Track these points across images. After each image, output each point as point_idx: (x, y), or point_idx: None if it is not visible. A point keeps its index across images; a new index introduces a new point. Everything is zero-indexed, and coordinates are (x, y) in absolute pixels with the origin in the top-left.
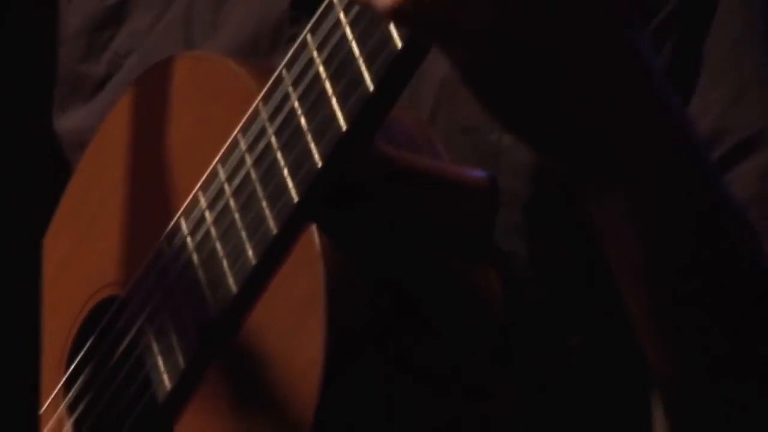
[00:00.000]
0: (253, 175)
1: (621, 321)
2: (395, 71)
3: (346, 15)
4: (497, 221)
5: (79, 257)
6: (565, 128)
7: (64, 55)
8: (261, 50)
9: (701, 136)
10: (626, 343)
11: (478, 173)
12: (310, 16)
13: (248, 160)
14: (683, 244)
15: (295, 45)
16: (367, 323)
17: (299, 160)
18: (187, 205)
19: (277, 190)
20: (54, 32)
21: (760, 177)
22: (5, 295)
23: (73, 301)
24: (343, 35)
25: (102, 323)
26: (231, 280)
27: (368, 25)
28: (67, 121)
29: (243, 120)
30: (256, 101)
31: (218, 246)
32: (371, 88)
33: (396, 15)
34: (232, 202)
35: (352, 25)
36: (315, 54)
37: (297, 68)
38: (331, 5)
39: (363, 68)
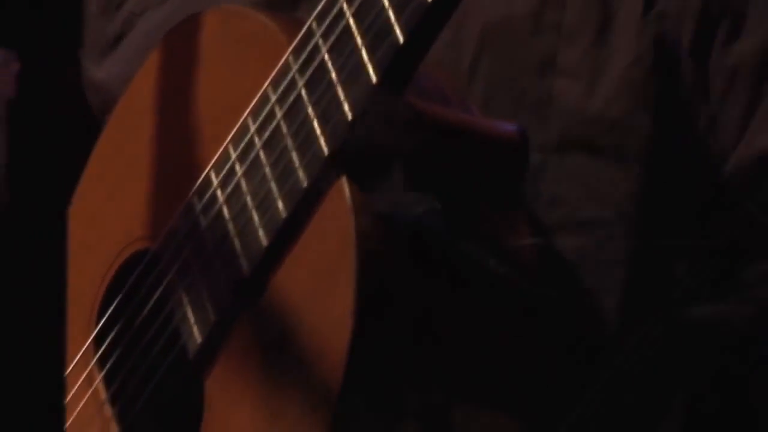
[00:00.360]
0: (284, 127)
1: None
2: (425, 22)
3: None
4: (547, 166)
5: (109, 213)
6: None
7: (86, 12)
8: (287, 2)
9: None
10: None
11: (508, 126)
12: None
13: (278, 113)
14: None
15: None
16: (398, 279)
17: (329, 113)
18: (218, 158)
19: (307, 143)
20: None
21: None
22: (31, 258)
23: (103, 257)
24: None
25: (132, 277)
26: (261, 233)
27: None
28: (93, 75)
29: (273, 73)
30: (287, 54)
31: (248, 199)
32: (401, 39)
33: None
34: (262, 155)
35: None
36: (345, 6)
37: (327, 21)
38: None
39: (393, 19)
